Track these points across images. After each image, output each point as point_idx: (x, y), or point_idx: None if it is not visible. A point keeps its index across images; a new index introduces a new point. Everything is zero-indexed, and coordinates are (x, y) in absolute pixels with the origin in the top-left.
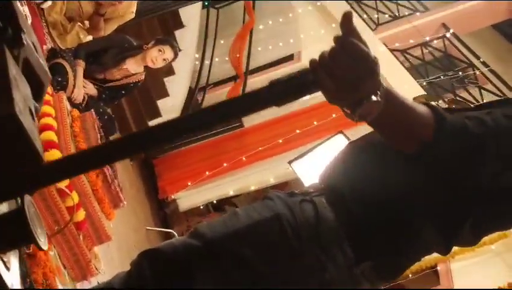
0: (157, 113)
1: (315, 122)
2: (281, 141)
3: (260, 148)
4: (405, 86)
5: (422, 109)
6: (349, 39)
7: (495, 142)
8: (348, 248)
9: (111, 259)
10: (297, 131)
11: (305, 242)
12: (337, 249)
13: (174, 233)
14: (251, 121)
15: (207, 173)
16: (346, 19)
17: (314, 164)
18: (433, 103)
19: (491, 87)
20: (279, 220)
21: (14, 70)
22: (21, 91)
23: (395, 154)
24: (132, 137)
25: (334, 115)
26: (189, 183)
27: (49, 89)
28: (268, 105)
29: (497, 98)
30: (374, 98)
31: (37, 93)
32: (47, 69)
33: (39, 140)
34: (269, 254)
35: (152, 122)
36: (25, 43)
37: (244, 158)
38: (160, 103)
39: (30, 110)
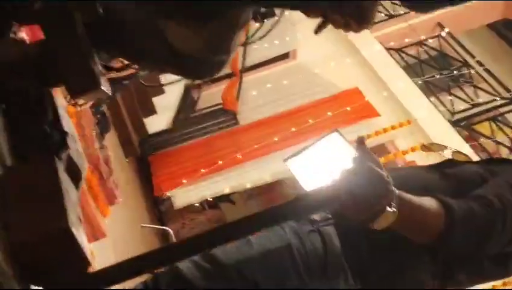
0: (152, 110)
1: (310, 121)
2: (276, 139)
3: (256, 146)
4: (400, 85)
5: (431, 203)
6: (365, 163)
7: (502, 221)
8: (351, 280)
9: (105, 256)
10: (293, 129)
11: (313, 272)
12: (342, 280)
13: (170, 230)
14: (246, 119)
15: (202, 170)
16: (361, 143)
17: (309, 162)
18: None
19: (485, 86)
20: (290, 250)
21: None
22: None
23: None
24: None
25: (329, 114)
26: (184, 181)
27: None
28: (293, 218)
29: (491, 97)
30: (389, 209)
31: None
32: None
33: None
34: (280, 281)
35: (147, 120)
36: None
37: (239, 156)
38: (156, 100)
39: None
